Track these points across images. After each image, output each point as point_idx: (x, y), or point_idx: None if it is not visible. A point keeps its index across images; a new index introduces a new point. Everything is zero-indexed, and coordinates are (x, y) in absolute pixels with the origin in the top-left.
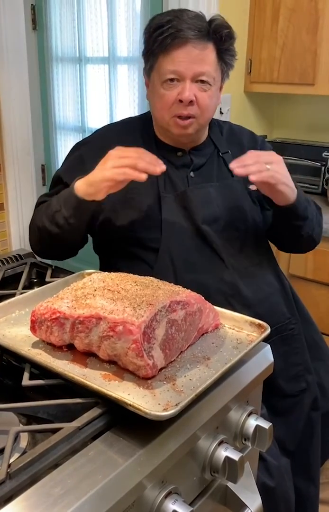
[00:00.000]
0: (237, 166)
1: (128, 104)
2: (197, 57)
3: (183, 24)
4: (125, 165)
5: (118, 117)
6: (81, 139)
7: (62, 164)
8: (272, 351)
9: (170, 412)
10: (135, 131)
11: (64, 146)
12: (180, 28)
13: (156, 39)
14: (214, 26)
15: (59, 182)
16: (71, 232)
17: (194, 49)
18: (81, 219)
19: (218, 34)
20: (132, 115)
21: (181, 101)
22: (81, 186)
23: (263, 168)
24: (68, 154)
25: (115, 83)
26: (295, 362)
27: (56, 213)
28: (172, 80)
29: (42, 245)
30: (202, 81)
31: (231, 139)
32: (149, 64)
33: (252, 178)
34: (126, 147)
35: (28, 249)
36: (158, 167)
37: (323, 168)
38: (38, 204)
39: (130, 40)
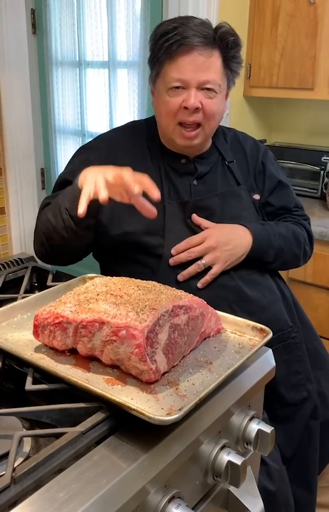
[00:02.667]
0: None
1: (127, 108)
2: (203, 65)
3: (189, 31)
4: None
5: (117, 121)
6: (80, 143)
7: (67, 166)
8: (274, 359)
9: (174, 416)
10: (141, 136)
11: (63, 150)
12: (186, 35)
13: (162, 46)
14: (220, 33)
15: (66, 185)
16: (77, 226)
17: (199, 56)
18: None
19: (224, 42)
20: (132, 119)
21: (186, 108)
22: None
23: (200, 267)
24: (73, 157)
25: (115, 87)
26: (296, 371)
27: (60, 207)
28: (177, 87)
29: (46, 247)
30: (208, 89)
31: (235, 147)
32: (155, 71)
33: (199, 286)
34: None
35: (29, 253)
36: (137, 187)
37: (322, 172)
38: (43, 207)
39: (130, 44)
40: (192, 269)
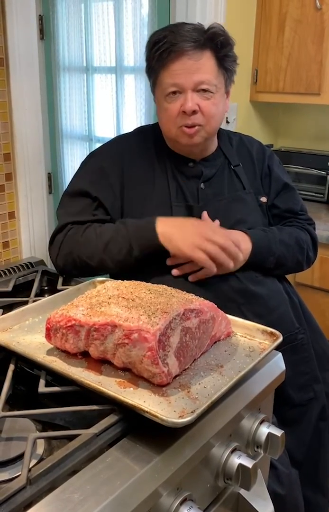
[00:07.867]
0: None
1: (134, 113)
2: (193, 67)
3: (178, 38)
4: (209, 252)
5: (124, 126)
6: (87, 147)
7: (79, 175)
8: None
9: (187, 419)
10: (148, 141)
11: (70, 154)
12: (175, 41)
13: (154, 56)
14: (208, 35)
15: (84, 195)
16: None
17: (189, 60)
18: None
19: (214, 42)
20: (139, 124)
21: (184, 112)
22: (164, 238)
23: (196, 266)
24: (84, 164)
25: (122, 93)
26: (303, 371)
27: (128, 248)
28: (174, 93)
29: (78, 265)
30: (204, 90)
31: (241, 151)
32: (152, 80)
33: (190, 279)
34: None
35: (39, 257)
36: (233, 263)
37: (328, 177)
38: (63, 226)
39: (137, 49)
40: (187, 267)
